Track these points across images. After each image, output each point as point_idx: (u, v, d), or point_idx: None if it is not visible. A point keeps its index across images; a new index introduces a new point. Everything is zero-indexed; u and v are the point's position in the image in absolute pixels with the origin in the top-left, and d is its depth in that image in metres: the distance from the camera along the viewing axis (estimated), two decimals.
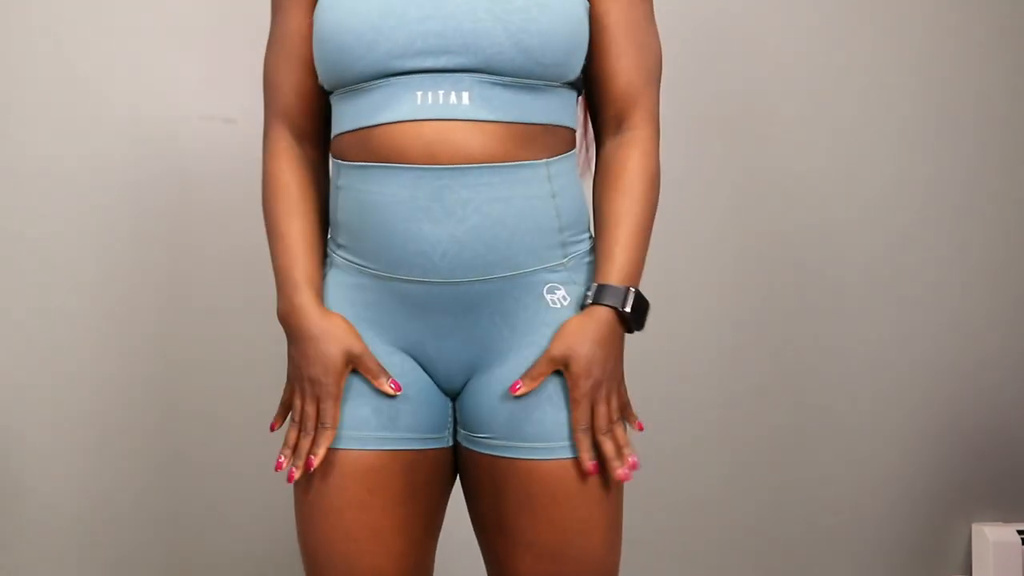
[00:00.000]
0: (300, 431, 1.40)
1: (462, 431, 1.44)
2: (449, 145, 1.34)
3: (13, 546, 2.30)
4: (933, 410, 2.55)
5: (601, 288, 1.39)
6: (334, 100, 1.43)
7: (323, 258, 1.46)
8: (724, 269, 2.48)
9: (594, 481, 1.38)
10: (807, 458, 2.52)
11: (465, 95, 1.35)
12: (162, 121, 2.31)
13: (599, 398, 1.38)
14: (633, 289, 1.39)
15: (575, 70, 1.41)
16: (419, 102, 1.35)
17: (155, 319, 2.33)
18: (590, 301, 1.39)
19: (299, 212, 1.44)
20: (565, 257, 1.42)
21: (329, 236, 1.48)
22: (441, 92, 1.35)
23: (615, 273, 1.40)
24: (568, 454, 1.38)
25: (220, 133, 2.30)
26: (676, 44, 2.41)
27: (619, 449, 1.39)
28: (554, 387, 1.38)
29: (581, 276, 1.43)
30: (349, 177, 1.39)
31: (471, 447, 1.42)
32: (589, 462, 1.37)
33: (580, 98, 1.50)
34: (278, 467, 1.40)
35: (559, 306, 1.40)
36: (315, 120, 1.48)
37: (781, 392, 2.51)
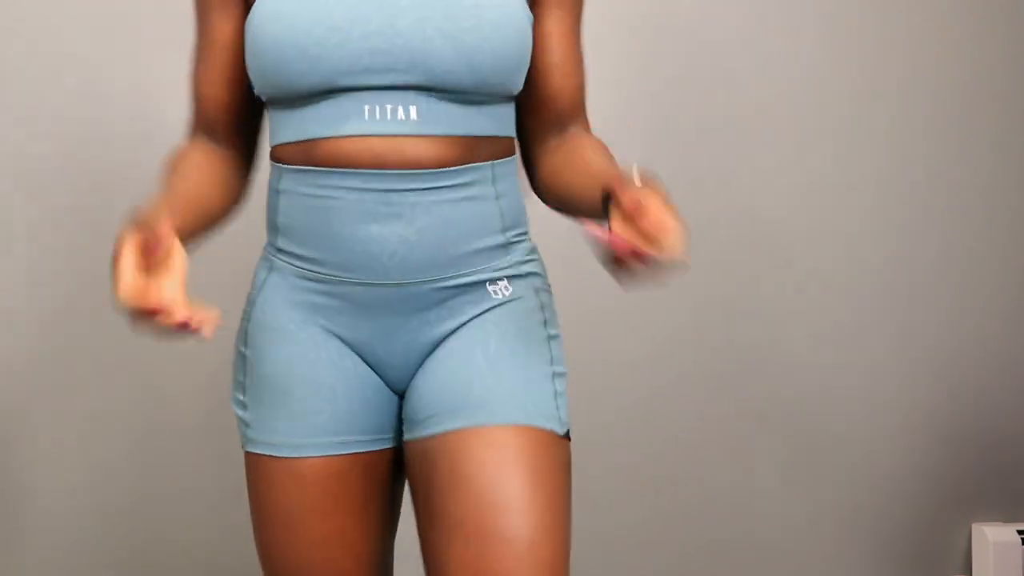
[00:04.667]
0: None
1: (406, 423, 1.41)
2: (398, 155, 1.35)
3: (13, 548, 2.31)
4: (932, 410, 2.54)
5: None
6: (271, 109, 1.43)
7: (200, 218, 1.40)
8: (718, 268, 2.47)
9: (525, 455, 1.32)
10: (806, 458, 2.51)
11: (413, 109, 1.35)
12: (161, 121, 2.31)
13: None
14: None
15: (519, 86, 1.41)
16: (367, 116, 1.34)
17: None
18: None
19: (192, 177, 1.41)
20: (508, 256, 1.42)
21: (267, 241, 1.47)
22: (389, 107, 1.34)
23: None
24: (497, 420, 1.33)
25: None
26: (665, 41, 2.43)
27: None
28: (483, 356, 1.37)
29: (522, 270, 1.43)
30: (292, 181, 1.39)
31: (409, 437, 1.40)
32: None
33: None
34: (190, 327, 1.18)
35: (500, 296, 1.40)
36: (242, 134, 1.48)
37: (779, 392, 2.50)
